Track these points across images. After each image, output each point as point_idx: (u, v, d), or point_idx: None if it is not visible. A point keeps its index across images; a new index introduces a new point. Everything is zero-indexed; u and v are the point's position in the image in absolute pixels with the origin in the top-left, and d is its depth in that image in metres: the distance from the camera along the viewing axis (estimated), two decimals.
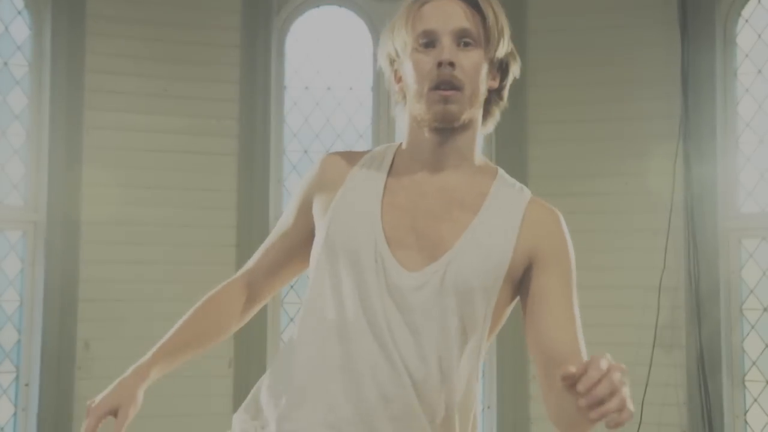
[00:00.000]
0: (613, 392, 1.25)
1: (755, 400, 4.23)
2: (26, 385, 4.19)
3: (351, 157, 1.77)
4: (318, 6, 4.76)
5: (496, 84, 1.72)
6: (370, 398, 1.57)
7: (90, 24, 4.32)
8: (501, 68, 1.72)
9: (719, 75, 4.33)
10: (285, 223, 1.82)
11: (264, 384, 1.71)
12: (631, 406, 1.27)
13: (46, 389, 4.14)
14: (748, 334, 4.27)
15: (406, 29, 1.68)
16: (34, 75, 4.30)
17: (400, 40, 1.69)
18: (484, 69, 1.67)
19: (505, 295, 1.66)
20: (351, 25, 4.76)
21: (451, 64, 1.62)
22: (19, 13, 4.33)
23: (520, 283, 1.67)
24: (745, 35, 4.41)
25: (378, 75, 4.69)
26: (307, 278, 1.73)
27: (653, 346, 4.25)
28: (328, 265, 1.65)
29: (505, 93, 1.76)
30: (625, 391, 1.27)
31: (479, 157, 1.74)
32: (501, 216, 1.66)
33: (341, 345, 1.59)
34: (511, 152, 4.44)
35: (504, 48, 1.70)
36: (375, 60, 4.73)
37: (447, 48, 1.63)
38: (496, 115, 1.76)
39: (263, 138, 4.50)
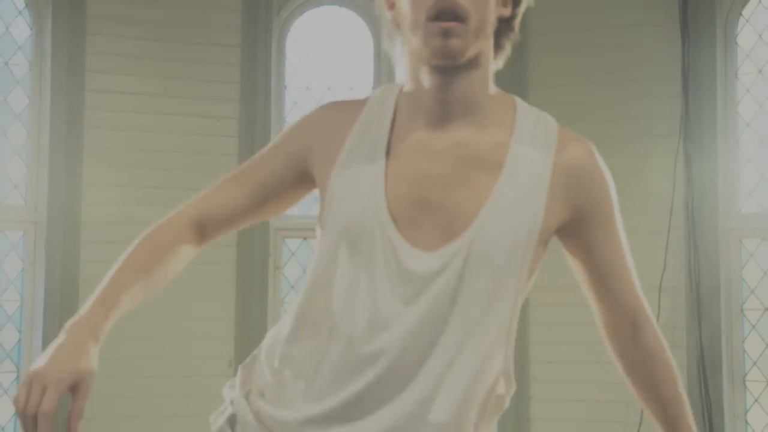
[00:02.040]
0: None
1: (756, 400, 4.22)
2: None
3: (351, 111, 1.48)
4: (318, 6, 4.76)
5: (507, 12, 1.45)
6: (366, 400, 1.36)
7: (90, 24, 4.32)
8: None
9: (720, 75, 4.33)
10: (261, 171, 1.57)
11: (264, 355, 1.53)
12: None
13: None
14: (748, 334, 4.26)
15: None
16: (35, 75, 4.30)
17: None
18: None
19: (537, 257, 1.43)
20: (351, 24, 4.76)
21: None
22: (20, 12, 4.33)
23: (566, 238, 1.47)
24: (745, 35, 4.41)
25: (379, 75, 4.69)
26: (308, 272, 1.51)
27: None
28: (332, 255, 1.41)
29: (518, 23, 1.48)
30: None
31: (494, 95, 1.46)
32: (527, 169, 1.40)
33: (340, 342, 1.38)
34: None
35: None
36: (376, 59, 4.78)
37: None
38: (508, 48, 1.48)
39: (264, 138, 4.48)
